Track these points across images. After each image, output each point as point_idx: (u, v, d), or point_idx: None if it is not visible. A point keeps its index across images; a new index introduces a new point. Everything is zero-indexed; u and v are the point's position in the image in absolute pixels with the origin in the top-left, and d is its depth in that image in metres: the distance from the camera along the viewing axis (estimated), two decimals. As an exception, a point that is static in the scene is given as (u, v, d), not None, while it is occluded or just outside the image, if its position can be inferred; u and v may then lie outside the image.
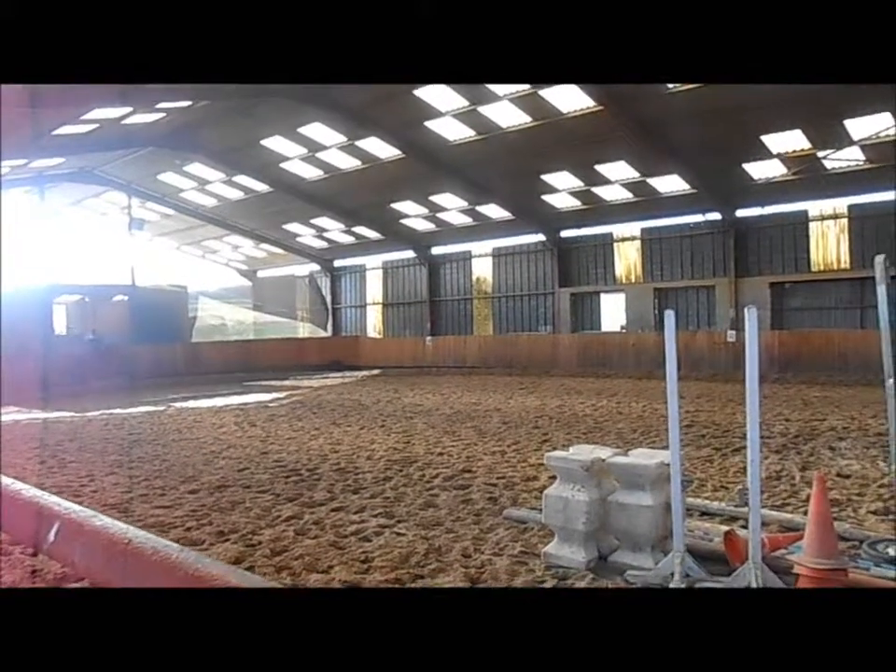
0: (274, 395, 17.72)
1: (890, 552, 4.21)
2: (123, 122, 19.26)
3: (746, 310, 4.04)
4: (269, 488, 6.98)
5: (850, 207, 20.03)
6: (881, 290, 4.40)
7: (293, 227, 30.70)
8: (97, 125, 19.00)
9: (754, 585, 3.78)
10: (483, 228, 26.66)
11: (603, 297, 25.47)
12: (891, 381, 4.35)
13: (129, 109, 18.16)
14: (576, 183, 21.90)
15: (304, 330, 35.92)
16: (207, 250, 36.93)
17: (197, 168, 25.41)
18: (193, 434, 10.93)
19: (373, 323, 33.24)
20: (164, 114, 19.64)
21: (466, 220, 26.62)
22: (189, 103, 18.59)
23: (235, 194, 27.58)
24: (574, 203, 23.46)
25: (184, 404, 15.65)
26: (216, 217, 30.32)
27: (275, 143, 22.23)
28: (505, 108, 17.91)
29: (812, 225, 20.82)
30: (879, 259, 4.38)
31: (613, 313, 25.07)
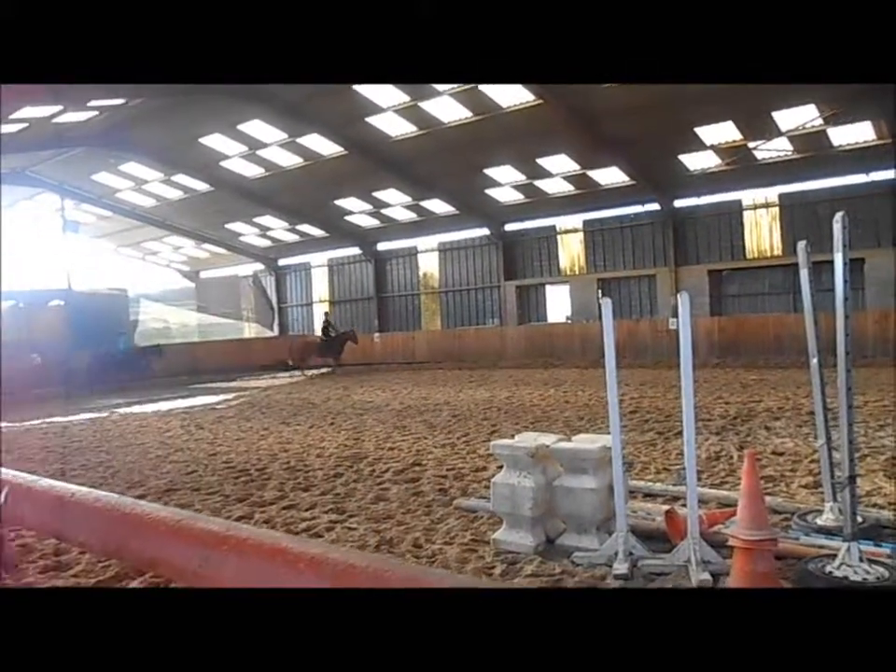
0: (222, 397, 17.46)
1: (818, 522, 4.45)
2: (54, 121, 18.66)
3: (678, 296, 4.20)
4: (218, 489, 6.92)
5: (781, 196, 20.78)
6: (804, 275, 4.62)
7: (235, 226, 30.23)
8: (27, 124, 18.36)
9: (693, 560, 3.95)
10: (427, 223, 26.73)
11: (548, 288, 25.85)
12: (815, 360, 4.58)
13: (60, 108, 17.60)
14: (518, 177, 22.15)
15: (250, 331, 35.42)
16: (147, 252, 36.07)
17: (133, 167, 24.79)
18: (138, 439, 10.70)
19: (320, 321, 33.00)
20: (97, 112, 19.10)
21: (410, 216, 26.64)
22: (122, 101, 18.12)
23: (174, 194, 27.00)
24: (517, 197, 23.72)
25: (128, 410, 15.30)
26: (155, 217, 29.63)
27: (214, 140, 21.86)
28: (446, 103, 17.99)
29: (746, 214, 21.53)
30: (801, 245, 4.59)
31: (558, 304, 25.48)
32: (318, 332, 25.52)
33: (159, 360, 23.14)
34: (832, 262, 3.70)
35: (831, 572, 3.52)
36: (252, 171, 23.87)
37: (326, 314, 26.52)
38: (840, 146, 17.90)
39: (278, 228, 29.91)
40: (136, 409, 15.37)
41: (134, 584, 4.19)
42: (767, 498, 4.47)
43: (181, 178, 25.21)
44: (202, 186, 25.54)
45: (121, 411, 15.14)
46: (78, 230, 27.36)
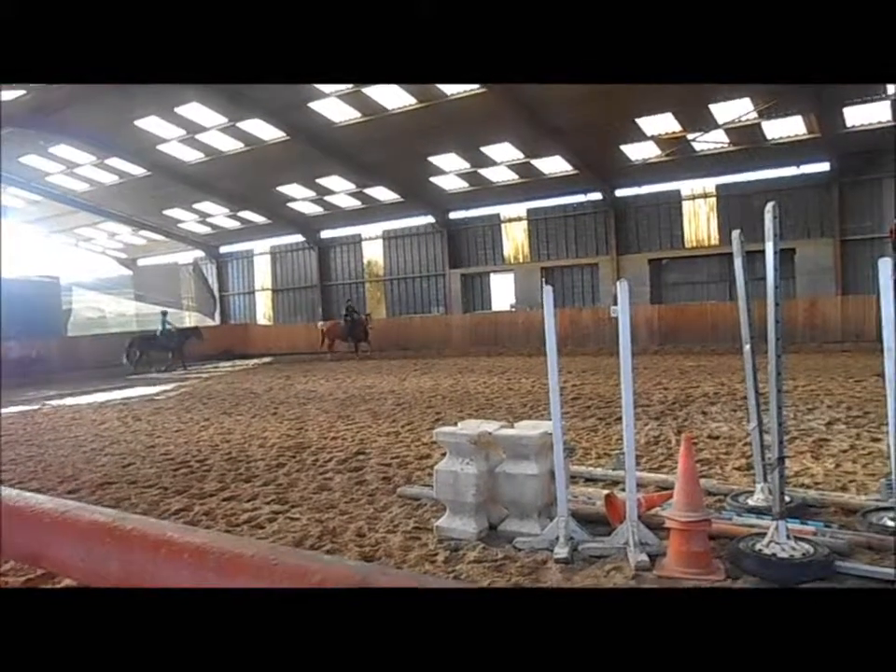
0: (161, 387, 17.03)
1: (749, 502, 4.60)
2: (-23, 101, 17.81)
3: (618, 284, 4.26)
4: (156, 482, 6.75)
5: (718, 187, 21.34)
6: (738, 263, 4.75)
7: (174, 212, 29.41)
8: (-53, 104, 17.47)
9: (631, 542, 4.04)
10: (372, 210, 26.53)
11: (492, 277, 26.00)
12: (747, 346, 4.72)
13: (-17, 86, 16.80)
14: (463, 164, 22.16)
15: (191, 320, 34.59)
16: (81, 238, 34.81)
17: (64, 150, 23.82)
18: (72, 432, 10.36)
19: (263, 310, 32.48)
20: (24, 91, 18.28)
21: (354, 203, 26.39)
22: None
23: (109, 178, 26.08)
24: (462, 185, 23.75)
25: (60, 402, 14.79)
26: (88, 202, 28.59)
27: (151, 123, 21.18)
28: (390, 90, 17.84)
29: (685, 204, 22.05)
30: (735, 234, 4.72)
31: (503, 292, 25.66)
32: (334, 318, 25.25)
33: (198, 343, 23.10)
34: (764, 252, 3.80)
35: (760, 550, 3.65)
36: (191, 155, 23.24)
37: (348, 299, 25.72)
38: (773, 139, 18.48)
39: (219, 214, 29.24)
40: (69, 401, 14.87)
41: (67, 581, 4.07)
42: (702, 481, 4.60)
43: (116, 162, 24.36)
44: (138, 170, 24.73)
45: (53, 403, 14.63)
46: (7, 214, 26.21)
